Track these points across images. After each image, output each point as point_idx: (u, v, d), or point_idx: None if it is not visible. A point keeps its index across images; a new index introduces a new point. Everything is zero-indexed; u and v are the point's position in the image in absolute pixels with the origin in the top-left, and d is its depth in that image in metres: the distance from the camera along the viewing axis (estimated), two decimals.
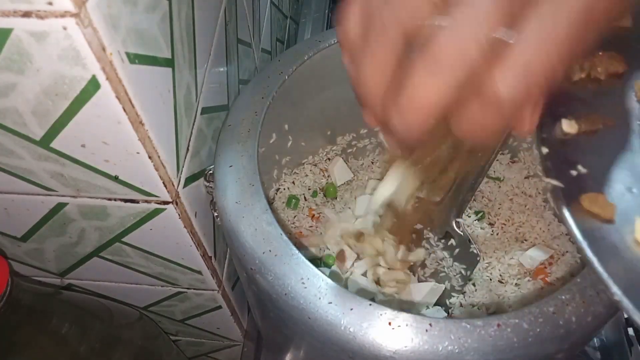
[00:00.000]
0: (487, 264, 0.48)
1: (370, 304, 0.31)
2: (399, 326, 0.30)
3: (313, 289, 0.32)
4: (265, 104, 0.43)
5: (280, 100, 0.45)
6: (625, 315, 0.54)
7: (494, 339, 0.29)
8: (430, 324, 0.30)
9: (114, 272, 0.45)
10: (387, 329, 0.30)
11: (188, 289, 0.48)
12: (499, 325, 0.30)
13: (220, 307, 0.51)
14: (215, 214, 0.42)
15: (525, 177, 0.53)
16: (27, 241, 0.42)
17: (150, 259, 0.43)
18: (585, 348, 0.52)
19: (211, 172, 0.40)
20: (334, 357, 0.33)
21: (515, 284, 0.47)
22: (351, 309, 0.31)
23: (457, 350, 0.29)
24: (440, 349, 0.29)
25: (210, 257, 0.44)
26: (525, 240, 0.49)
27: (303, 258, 0.33)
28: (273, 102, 0.43)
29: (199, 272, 0.44)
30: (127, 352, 0.45)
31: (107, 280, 0.48)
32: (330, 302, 0.31)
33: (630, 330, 0.53)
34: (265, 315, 0.41)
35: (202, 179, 0.41)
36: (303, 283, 0.32)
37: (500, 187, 0.53)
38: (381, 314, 0.31)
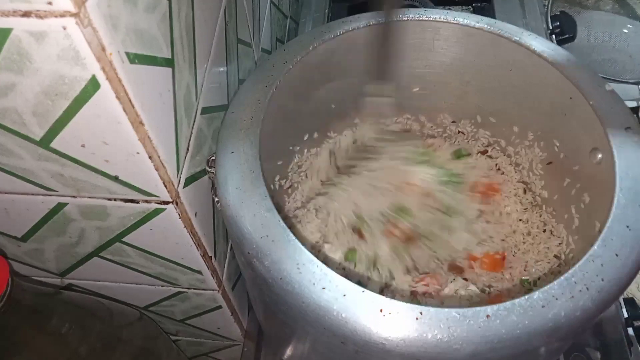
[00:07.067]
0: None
1: (363, 291, 0.31)
2: (390, 313, 0.31)
3: (308, 275, 0.32)
4: (269, 92, 0.43)
5: (284, 89, 0.45)
6: (625, 315, 0.54)
7: (483, 330, 0.30)
8: (421, 312, 0.31)
9: (114, 272, 0.45)
10: (378, 316, 0.31)
11: (188, 288, 0.48)
12: (488, 316, 0.30)
13: (220, 307, 0.51)
14: (216, 199, 0.42)
15: (526, 184, 0.53)
16: (27, 241, 0.42)
17: (150, 259, 0.43)
18: (585, 348, 0.52)
19: (213, 158, 0.41)
20: (326, 342, 0.34)
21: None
22: (344, 295, 0.31)
23: (446, 339, 0.30)
24: (430, 337, 0.30)
25: (211, 257, 0.44)
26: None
27: (299, 244, 0.34)
28: (276, 91, 0.44)
29: (199, 272, 0.44)
30: (127, 352, 0.45)
31: (107, 280, 0.48)
32: (324, 288, 0.32)
33: (630, 330, 0.53)
34: (261, 299, 0.41)
35: (202, 179, 0.41)
36: (298, 268, 0.33)
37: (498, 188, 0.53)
38: (373, 301, 0.31)
